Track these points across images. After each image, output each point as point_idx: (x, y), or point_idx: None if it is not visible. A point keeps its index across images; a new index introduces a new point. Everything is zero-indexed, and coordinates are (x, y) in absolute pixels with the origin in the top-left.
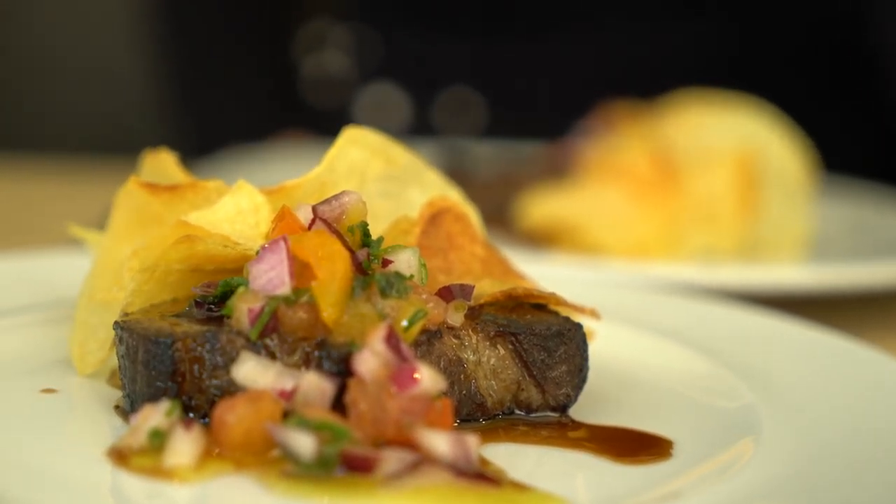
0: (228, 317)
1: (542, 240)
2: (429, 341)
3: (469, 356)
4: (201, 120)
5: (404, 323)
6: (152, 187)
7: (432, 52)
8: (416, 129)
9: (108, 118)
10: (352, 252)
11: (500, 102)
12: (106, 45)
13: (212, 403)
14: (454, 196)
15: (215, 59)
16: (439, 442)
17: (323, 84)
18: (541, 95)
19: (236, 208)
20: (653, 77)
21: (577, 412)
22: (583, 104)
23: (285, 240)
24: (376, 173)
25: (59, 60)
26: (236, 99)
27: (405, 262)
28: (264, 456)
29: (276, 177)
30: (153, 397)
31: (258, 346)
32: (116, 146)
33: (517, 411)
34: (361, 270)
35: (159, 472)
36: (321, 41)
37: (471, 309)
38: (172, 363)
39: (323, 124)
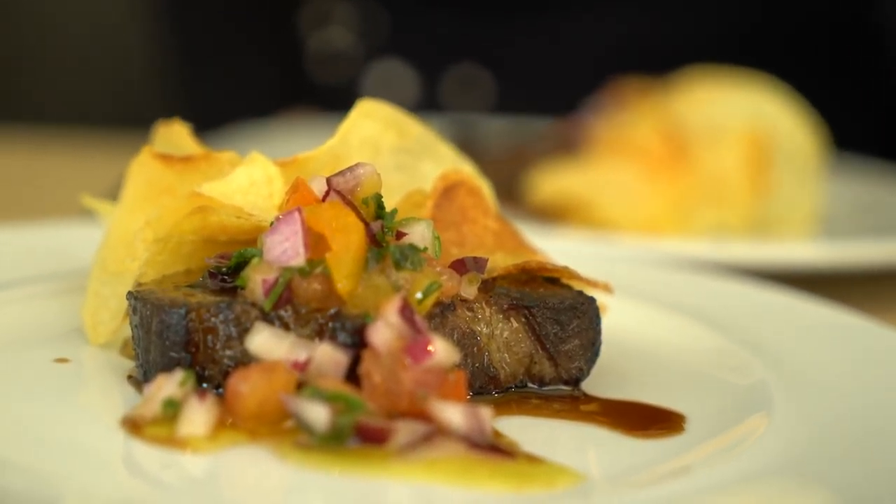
0: (242, 288)
1: (552, 215)
2: (442, 314)
3: (482, 329)
4: (206, 95)
5: (418, 295)
6: (166, 158)
7: (439, 28)
8: (424, 105)
9: (120, 91)
10: (366, 224)
11: (508, 79)
12: (117, 20)
13: (225, 374)
14: (467, 169)
15: (221, 35)
16: (453, 414)
17: (329, 60)
18: (550, 72)
19: (249, 180)
20: (664, 53)
21: (590, 386)
22: (593, 80)
23: (300, 211)
24: (389, 146)
25: (72, 32)
26: (241, 75)
27: (419, 234)
28: (278, 426)
29: (283, 151)
30: (167, 367)
31: (272, 316)
32: (128, 119)
33: (530, 384)
34: (376, 242)
35: (173, 442)
36: (327, 17)
37: (484, 282)
38: (186, 333)
39: (329, 100)
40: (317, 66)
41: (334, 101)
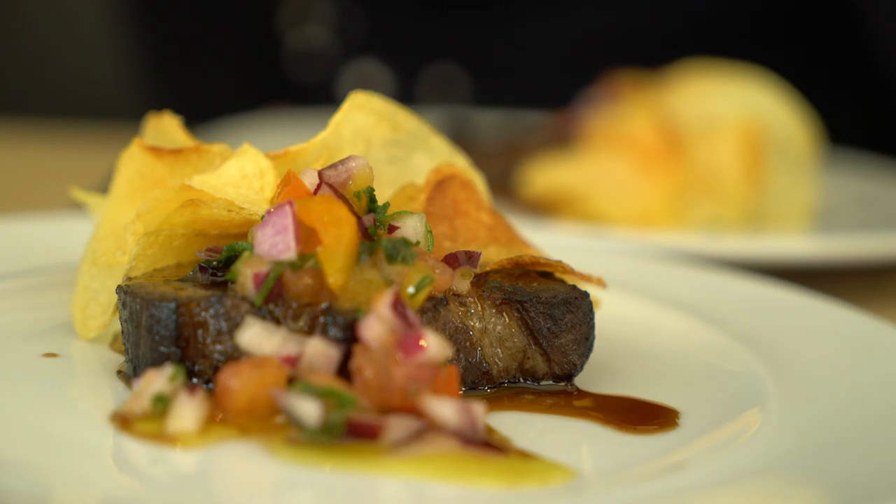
0: (233, 282)
1: (545, 209)
2: (434, 308)
3: (475, 324)
4: (184, 91)
5: (410, 289)
6: (156, 151)
7: (417, 27)
8: (401, 103)
9: (109, 83)
10: (358, 217)
11: (487, 78)
12: (104, 15)
13: (216, 369)
14: (460, 163)
15: (199, 31)
16: (445, 409)
17: (306, 58)
18: (529, 69)
19: (241, 173)
20: (658, 46)
21: (583, 381)
22: (587, 74)
23: (291, 204)
24: (382, 138)
25: (60, 26)
26: (219, 71)
27: (411, 228)
28: (268, 422)
29: (275, 144)
30: (156, 362)
31: (263, 311)
32: (117, 111)
33: (523, 380)
34: (367, 236)
35: (162, 438)
36: (305, 15)
37: (477, 276)
38: (176, 328)
39: (305, 98)
40: (294, 63)
41: (311, 98)
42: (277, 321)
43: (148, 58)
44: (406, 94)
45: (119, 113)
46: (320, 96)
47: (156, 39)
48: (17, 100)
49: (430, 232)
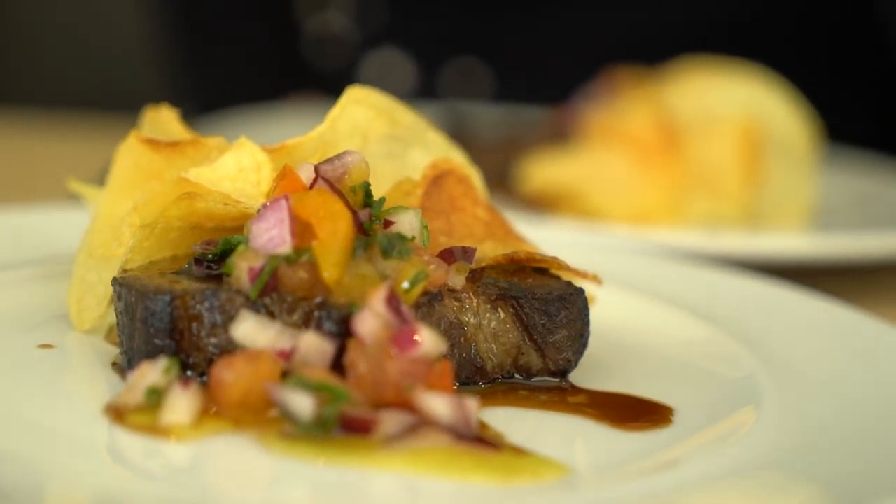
0: (228, 275)
1: (543, 204)
2: (429, 303)
3: (469, 319)
4: (202, 78)
5: (405, 284)
6: (153, 143)
7: (437, 17)
8: (421, 95)
9: (109, 74)
10: (354, 212)
11: (505, 70)
12: (110, 2)
13: (210, 362)
14: (457, 158)
15: (216, 17)
16: (439, 405)
17: (325, 44)
18: (547, 62)
19: (237, 166)
20: (658, 43)
21: (577, 377)
22: (589, 70)
23: (287, 198)
24: (379, 133)
25: (61, 15)
26: (237, 58)
27: (407, 223)
28: (262, 415)
29: (277, 136)
30: (151, 354)
31: (258, 304)
32: (118, 102)
33: (517, 375)
34: (363, 231)
35: (156, 430)
36: (324, 1)
37: (472, 272)
38: (171, 320)
39: (325, 85)
40: (313, 50)
41: (330, 85)
42: (272, 315)
43: (162, 46)
44: (427, 85)
45: (126, 104)
46: (340, 83)
47: (170, 26)
48: (14, 90)
49: (426, 227)
